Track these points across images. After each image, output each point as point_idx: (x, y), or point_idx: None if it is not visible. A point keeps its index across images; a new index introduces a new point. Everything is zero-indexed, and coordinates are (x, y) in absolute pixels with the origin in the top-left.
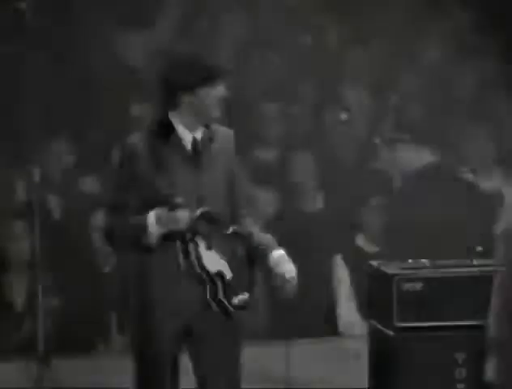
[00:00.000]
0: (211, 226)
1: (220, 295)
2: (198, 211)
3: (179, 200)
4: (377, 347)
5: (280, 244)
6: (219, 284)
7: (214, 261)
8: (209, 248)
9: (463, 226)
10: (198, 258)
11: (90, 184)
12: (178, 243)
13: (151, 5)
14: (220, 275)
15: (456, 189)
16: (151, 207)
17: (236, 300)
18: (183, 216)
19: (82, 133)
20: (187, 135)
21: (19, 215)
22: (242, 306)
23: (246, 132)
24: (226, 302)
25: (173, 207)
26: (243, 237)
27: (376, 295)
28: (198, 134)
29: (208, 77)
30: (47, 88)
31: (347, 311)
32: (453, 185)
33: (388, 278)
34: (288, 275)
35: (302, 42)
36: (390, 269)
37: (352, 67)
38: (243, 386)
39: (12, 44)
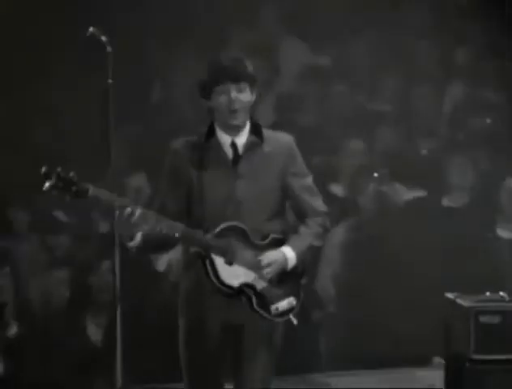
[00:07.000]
0: (236, 239)
1: (254, 304)
2: (218, 229)
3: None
4: (453, 378)
5: None
6: (252, 294)
7: (238, 274)
8: (230, 263)
9: None
10: (216, 274)
11: None
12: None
13: None
14: (249, 286)
15: None
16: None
17: (274, 307)
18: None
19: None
20: (226, 139)
21: (100, 252)
22: (282, 313)
23: None
24: (262, 311)
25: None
26: (284, 243)
27: (453, 327)
28: (241, 139)
29: (215, 78)
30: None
31: None
32: None
33: (465, 310)
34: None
35: None
36: (467, 301)
37: None
38: None
39: None
